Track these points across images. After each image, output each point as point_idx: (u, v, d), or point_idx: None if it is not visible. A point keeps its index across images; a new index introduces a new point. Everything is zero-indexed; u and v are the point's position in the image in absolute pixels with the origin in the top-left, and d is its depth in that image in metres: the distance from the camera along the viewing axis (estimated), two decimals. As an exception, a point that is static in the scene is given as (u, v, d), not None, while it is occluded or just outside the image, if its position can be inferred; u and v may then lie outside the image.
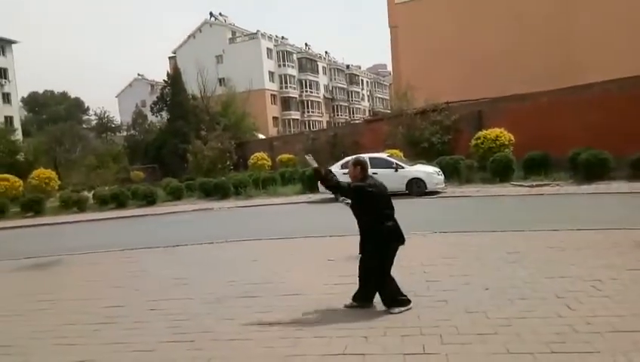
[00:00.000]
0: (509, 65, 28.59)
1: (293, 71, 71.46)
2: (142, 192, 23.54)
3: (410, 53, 33.34)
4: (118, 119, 70.26)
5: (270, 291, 6.33)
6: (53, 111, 79.77)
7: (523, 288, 5.60)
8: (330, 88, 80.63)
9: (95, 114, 71.98)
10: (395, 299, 5.21)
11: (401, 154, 22.01)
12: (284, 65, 69.64)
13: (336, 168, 18.00)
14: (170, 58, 68.85)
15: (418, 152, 23.42)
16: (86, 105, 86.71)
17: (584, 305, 4.92)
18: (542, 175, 17.81)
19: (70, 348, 5.02)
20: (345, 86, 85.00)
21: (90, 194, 25.71)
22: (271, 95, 67.36)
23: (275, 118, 67.15)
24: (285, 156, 31.28)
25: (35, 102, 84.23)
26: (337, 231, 10.12)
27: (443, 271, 6.60)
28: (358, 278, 5.39)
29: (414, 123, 24.77)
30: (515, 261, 6.84)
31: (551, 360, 3.82)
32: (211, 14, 70.17)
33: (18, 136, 52.22)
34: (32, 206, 22.98)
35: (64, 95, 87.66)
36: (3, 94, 55.52)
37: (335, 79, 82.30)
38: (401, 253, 7.84)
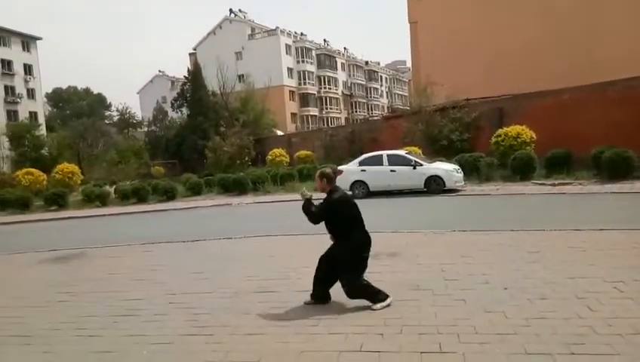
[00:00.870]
0: (530, 61, 28.15)
1: (311, 67, 71.44)
2: (162, 187, 23.85)
3: (430, 50, 33.02)
4: (139, 115, 71.25)
5: (287, 286, 6.36)
6: (77, 107, 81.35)
7: (543, 288, 5.51)
8: (349, 84, 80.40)
9: (117, 110, 73.14)
10: (379, 296, 5.28)
11: (420, 151, 21.87)
12: (303, 61, 69.67)
13: (353, 165, 18.06)
14: (190, 54, 69.47)
15: (437, 150, 23.23)
16: (108, 101, 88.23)
17: (605, 307, 4.82)
18: (564, 173, 17.50)
19: (91, 339, 5.12)
20: (364, 82, 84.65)
21: (112, 189, 26.14)
22: (289, 91, 67.49)
23: (293, 115, 67.28)
24: (303, 152, 31.36)
25: (58, 98, 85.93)
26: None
27: (461, 270, 6.54)
28: (315, 278, 5.55)
29: (433, 120, 24.56)
30: (535, 260, 6.75)
31: (570, 361, 3.77)
32: (231, 11, 70.53)
33: (42, 131, 53.47)
34: (56, 200, 23.47)
35: (87, 91, 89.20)
36: (28, 90, 56.74)
37: (354, 75, 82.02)
38: (419, 250, 7.88)
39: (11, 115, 54.01)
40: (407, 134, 25.10)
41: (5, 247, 12.29)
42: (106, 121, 73.21)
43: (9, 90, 54.48)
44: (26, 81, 56.53)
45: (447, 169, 16.98)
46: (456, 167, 17.54)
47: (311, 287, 5.62)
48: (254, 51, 64.89)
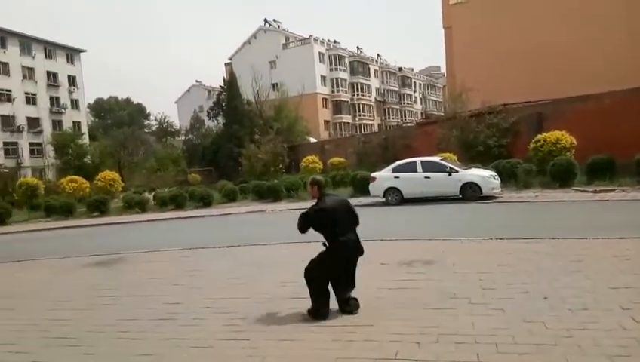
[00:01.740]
0: (570, 65, 27.40)
1: (344, 74, 71.60)
2: (199, 194, 24.32)
3: (465, 55, 32.62)
4: (177, 124, 72.97)
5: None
6: (118, 117, 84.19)
7: (585, 298, 5.35)
8: (382, 91, 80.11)
9: (156, 119, 75.07)
10: (321, 310, 5.42)
11: (455, 157, 21.54)
12: (336, 69, 69.93)
13: (387, 172, 17.96)
14: (226, 65, 70.79)
15: (473, 156, 22.83)
16: (148, 110, 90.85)
17: (652, 318, 4.64)
18: (606, 180, 16.88)
19: (133, 342, 5.29)
20: (397, 89, 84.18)
21: (151, 196, 26.80)
22: (322, 99, 67.80)
23: (326, 122, 67.51)
24: (336, 159, 31.42)
25: (100, 108, 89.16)
26: (389, 236, 10.07)
27: (499, 279, 6.41)
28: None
29: (469, 125, 24.17)
30: (576, 270, 6.55)
31: (615, 374, 3.65)
32: (265, 21, 71.62)
33: (85, 140, 55.61)
34: (98, 206, 24.28)
35: (127, 101, 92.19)
36: (72, 101, 59.13)
37: (387, 82, 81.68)
38: (455, 258, 7.77)
39: (56, 124, 56.37)
40: (441, 140, 24.79)
41: (50, 252, 12.81)
42: (146, 130, 75.31)
43: (54, 100, 56.89)
44: (70, 92, 58.91)
45: (483, 175, 16.64)
46: (493, 173, 17.18)
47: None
48: (288, 60, 65.60)
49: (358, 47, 79.42)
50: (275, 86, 54.08)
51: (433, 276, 6.82)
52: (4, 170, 37.79)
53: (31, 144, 53.24)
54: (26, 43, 54.14)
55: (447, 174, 16.62)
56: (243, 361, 4.51)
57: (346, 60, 72.75)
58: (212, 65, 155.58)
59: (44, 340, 5.59)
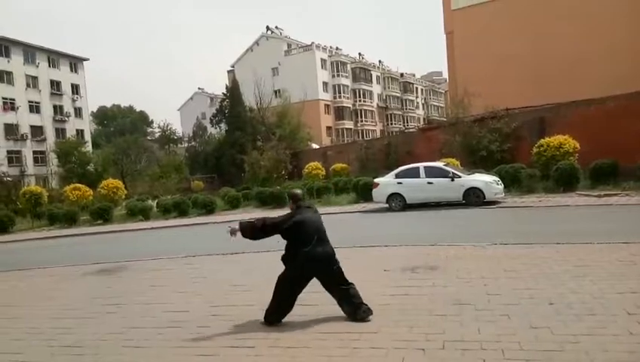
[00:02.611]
0: (572, 69, 27.41)
1: (346, 81, 71.80)
2: (201, 201, 24.35)
3: (467, 60, 32.66)
4: (179, 131, 73.21)
5: (326, 300, 6.33)
6: (121, 124, 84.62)
7: (591, 303, 5.32)
8: (384, 97, 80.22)
9: (158, 126, 75.31)
10: (269, 318, 5.59)
11: (458, 163, 21.53)
12: (338, 75, 70.13)
13: (389, 178, 17.95)
14: (228, 72, 71.12)
15: (476, 161, 22.82)
16: (150, 118, 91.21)
17: (659, 323, 4.61)
18: (610, 184, 16.84)
19: (137, 351, 5.28)
20: (399, 94, 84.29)
21: (154, 203, 26.87)
22: (325, 105, 67.94)
23: (328, 128, 67.60)
24: (339, 165, 31.43)
25: (103, 116, 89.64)
26: (393, 242, 10.06)
27: (504, 284, 6.38)
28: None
29: (472, 131, 24.17)
30: (582, 275, 6.51)
31: (623, 380, 3.62)
32: (268, 28, 71.92)
33: (88, 148, 55.77)
34: (101, 214, 24.32)
35: (130, 109, 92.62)
36: (75, 109, 59.38)
37: (389, 88, 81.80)
38: (459, 264, 7.74)
39: (59, 132, 56.59)
40: (444, 146, 24.81)
41: (54, 260, 12.83)
42: (148, 138, 75.58)
43: (57, 109, 57.17)
44: (74, 101, 59.18)
45: (486, 180, 16.62)
46: (496, 178, 17.17)
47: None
48: (290, 66, 65.83)
49: (359, 54, 79.69)
50: (277, 92, 54.26)
51: (437, 282, 6.80)
52: (8, 179, 37.90)
53: (34, 152, 53.45)
54: (30, 52, 54.48)
55: (450, 179, 16.61)
56: (248, 369, 4.49)
57: (348, 67, 72.97)
58: (215, 73, 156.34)
59: (50, 349, 5.59)
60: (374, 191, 18.19)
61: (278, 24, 75.64)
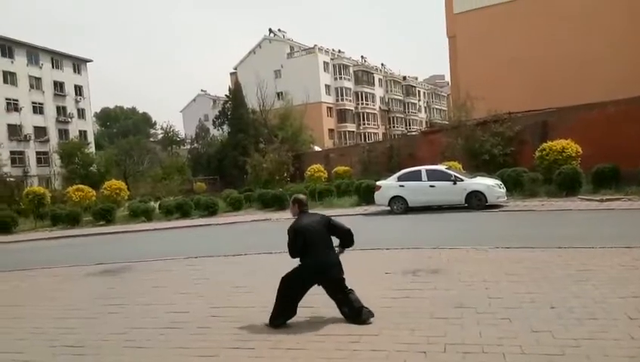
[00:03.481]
0: (575, 73, 27.43)
1: (349, 83, 71.91)
2: (204, 203, 24.38)
3: (469, 63, 32.70)
4: (182, 133, 73.41)
5: (326, 302, 6.33)
6: (123, 126, 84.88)
7: (593, 307, 5.32)
8: (387, 100, 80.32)
9: (161, 128, 75.60)
10: (274, 322, 5.58)
11: (460, 166, 21.52)
12: (341, 78, 70.25)
13: (392, 181, 17.94)
14: (231, 74, 71.28)
15: (478, 164, 22.79)
16: (153, 119, 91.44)
17: (661, 328, 4.60)
18: (612, 189, 16.81)
19: (139, 351, 5.30)
20: (401, 97, 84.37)
21: (157, 204, 26.90)
22: (327, 107, 68.04)
23: (330, 130, 67.68)
24: (341, 168, 31.44)
25: (106, 117, 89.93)
26: (394, 244, 10.06)
27: (506, 288, 6.38)
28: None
29: (474, 134, 24.16)
30: (584, 279, 6.51)
31: (624, 385, 3.62)
32: (270, 30, 72.12)
33: (91, 149, 55.95)
34: (104, 215, 24.36)
35: (133, 110, 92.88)
36: (78, 110, 59.60)
37: (391, 91, 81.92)
38: (461, 267, 7.74)
39: (62, 133, 56.79)
40: (446, 149, 24.78)
41: (56, 260, 12.86)
42: (151, 139, 75.82)
43: (61, 110, 57.36)
44: (77, 102, 59.39)
45: (488, 184, 16.60)
46: (498, 182, 17.15)
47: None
48: (293, 69, 65.97)
49: (362, 57, 79.90)
50: (279, 95, 54.36)
51: (439, 285, 6.80)
52: (11, 179, 38.04)
53: (38, 153, 53.63)
54: (34, 53, 54.72)
55: (452, 183, 16.59)
56: (249, 370, 4.50)
57: (351, 69, 73.10)
58: (217, 75, 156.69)
59: (52, 349, 5.61)
60: (376, 194, 18.19)
61: (281, 27, 75.63)
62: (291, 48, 71.06)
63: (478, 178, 17.36)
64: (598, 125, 20.48)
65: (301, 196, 6.06)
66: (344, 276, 5.65)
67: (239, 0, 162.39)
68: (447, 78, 69.34)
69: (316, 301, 6.27)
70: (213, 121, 55.20)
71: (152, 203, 28.08)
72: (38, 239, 20.65)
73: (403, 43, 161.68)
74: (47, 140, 54.44)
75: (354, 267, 8.69)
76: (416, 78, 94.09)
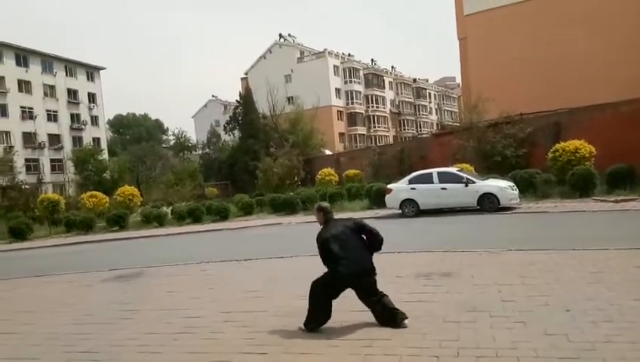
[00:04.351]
0: (587, 73, 27.17)
1: (359, 87, 71.90)
2: (215, 208, 24.52)
3: (481, 65, 32.54)
4: (194, 138, 73.87)
5: (338, 306, 6.33)
6: (136, 132, 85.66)
7: (608, 310, 5.25)
8: (397, 103, 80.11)
9: (173, 134, 76.20)
10: (308, 326, 5.50)
11: (472, 168, 21.40)
12: (351, 81, 70.26)
13: (403, 184, 17.88)
14: (242, 79, 71.67)
15: (490, 166, 22.66)
16: (165, 126, 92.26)
17: (679, 331, 4.53)
18: (627, 189, 16.58)
19: (153, 356, 5.33)
20: (412, 100, 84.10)
21: (169, 210, 27.08)
22: (337, 111, 68.06)
23: (341, 134, 67.67)
24: (352, 171, 31.41)
25: (119, 124, 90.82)
26: (406, 248, 10.02)
27: (519, 291, 6.32)
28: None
29: (486, 136, 24.03)
30: (598, 281, 6.43)
31: (641, 389, 3.57)
32: (280, 35, 72.42)
33: (104, 155, 56.54)
34: (117, 221, 24.63)
35: (145, 117, 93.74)
36: (91, 117, 60.27)
37: (402, 93, 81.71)
38: (474, 270, 7.69)
39: (76, 141, 57.48)
40: (458, 151, 24.66)
41: (70, 266, 13.01)
42: (163, 145, 76.44)
43: (74, 117, 58.10)
44: (90, 109, 60.09)
45: (501, 186, 16.47)
46: (511, 183, 17.00)
47: (360, 308, 5.60)
48: (303, 73, 66.15)
49: (372, 60, 79.71)
50: (290, 99, 54.52)
51: (452, 288, 6.76)
52: (26, 186, 38.58)
53: (52, 160, 54.33)
54: (48, 61, 55.54)
55: (464, 185, 16.49)
56: (262, 375, 4.50)
57: (361, 73, 73.08)
58: (228, 80, 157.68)
59: (67, 355, 5.67)
60: (387, 197, 18.13)
61: (291, 32, 76.01)
62: (301, 53, 71.26)
63: (490, 180, 17.24)
64: (611, 125, 20.27)
65: (325, 204, 5.99)
66: (376, 276, 5.60)
67: (249, 5, 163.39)
68: (458, 80, 69.18)
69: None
70: (224, 126, 55.46)
71: (164, 208, 28.27)
72: (52, 245, 20.92)
73: (413, 45, 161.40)
74: (62, 147, 55.14)
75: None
76: (427, 80, 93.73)
